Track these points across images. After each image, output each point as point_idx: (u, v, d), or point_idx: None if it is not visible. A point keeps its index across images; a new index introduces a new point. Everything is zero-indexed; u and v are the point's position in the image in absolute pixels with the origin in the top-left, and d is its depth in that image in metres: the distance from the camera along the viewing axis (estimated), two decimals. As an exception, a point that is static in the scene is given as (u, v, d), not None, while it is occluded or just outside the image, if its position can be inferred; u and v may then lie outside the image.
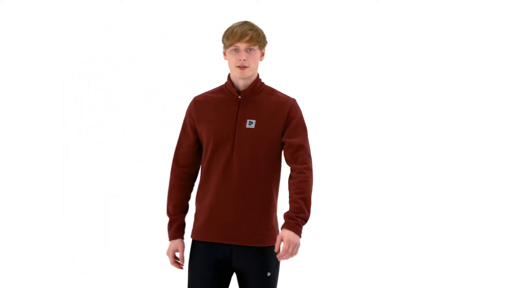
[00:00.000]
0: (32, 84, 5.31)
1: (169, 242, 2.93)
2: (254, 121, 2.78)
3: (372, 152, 5.33)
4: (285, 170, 2.89)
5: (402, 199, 5.29)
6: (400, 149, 5.33)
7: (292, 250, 2.66)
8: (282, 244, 2.68)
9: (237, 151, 2.77)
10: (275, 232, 2.84)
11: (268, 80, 3.04)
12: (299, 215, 2.69)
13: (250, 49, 2.78)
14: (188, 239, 2.95)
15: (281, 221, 2.80)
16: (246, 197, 2.77)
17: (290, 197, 2.75)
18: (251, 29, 2.79)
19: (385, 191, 5.29)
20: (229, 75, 2.89)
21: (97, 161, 5.29)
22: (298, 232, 2.68)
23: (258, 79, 2.87)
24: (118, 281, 5.12)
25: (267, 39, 2.87)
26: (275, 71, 5.18)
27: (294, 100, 2.86)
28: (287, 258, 2.68)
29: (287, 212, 2.73)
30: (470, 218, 5.26)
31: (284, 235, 2.66)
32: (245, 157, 2.77)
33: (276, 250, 2.69)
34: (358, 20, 5.34)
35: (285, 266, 4.26)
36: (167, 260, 2.95)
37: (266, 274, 2.79)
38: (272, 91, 2.88)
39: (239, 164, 2.76)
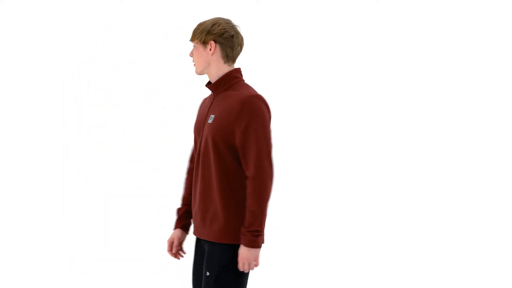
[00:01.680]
0: (32, 84, 5.32)
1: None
2: (213, 116, 2.74)
3: (372, 153, 5.33)
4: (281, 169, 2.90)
5: (401, 199, 5.29)
6: (399, 150, 5.33)
7: (248, 266, 2.68)
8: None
9: (201, 147, 2.79)
10: (230, 229, 2.73)
11: (269, 79, 3.04)
12: (250, 229, 2.66)
13: (194, 46, 2.76)
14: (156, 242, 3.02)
15: (272, 221, 2.84)
16: (204, 193, 2.77)
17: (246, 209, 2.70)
18: (196, 27, 2.76)
19: (385, 191, 5.29)
20: None
21: (97, 161, 5.30)
22: (253, 245, 2.66)
23: (227, 75, 2.77)
24: (118, 281, 5.13)
25: (214, 31, 2.75)
26: (275, 71, 5.19)
27: (252, 97, 2.68)
28: (249, 268, 2.70)
29: (242, 225, 2.71)
30: (470, 218, 5.27)
31: (240, 253, 2.68)
32: (204, 152, 2.76)
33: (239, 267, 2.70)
34: (358, 20, 5.35)
35: (284, 265, 4.27)
36: (165, 260, 2.99)
37: (206, 273, 2.75)
38: (238, 88, 2.75)
39: (201, 159, 2.78)
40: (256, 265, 2.70)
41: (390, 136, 5.33)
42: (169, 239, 2.92)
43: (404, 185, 5.30)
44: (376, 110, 5.36)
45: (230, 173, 2.73)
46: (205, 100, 2.90)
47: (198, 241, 2.90)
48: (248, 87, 2.75)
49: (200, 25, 2.74)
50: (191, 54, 2.75)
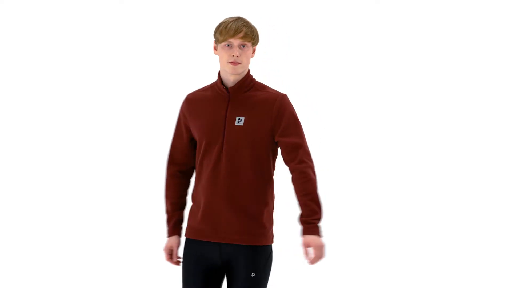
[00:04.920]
0: (32, 84, 5.31)
1: (167, 238, 2.93)
2: (243, 118, 2.76)
3: (372, 153, 5.32)
4: (281, 168, 2.90)
5: (401, 199, 5.28)
6: (399, 150, 5.32)
7: (321, 253, 2.71)
8: (310, 250, 2.72)
9: (227, 149, 2.75)
10: (267, 231, 2.82)
11: (269, 78, 3.03)
12: (314, 218, 2.73)
13: (243, 46, 2.74)
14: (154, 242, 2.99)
15: (280, 221, 2.85)
16: (235, 195, 2.76)
17: (299, 200, 2.78)
18: (245, 25, 2.74)
19: (385, 192, 5.28)
20: (219, 72, 2.85)
21: (97, 160, 5.29)
22: (319, 234, 2.72)
23: (248, 76, 2.82)
24: (118, 281, 5.12)
25: (260, 38, 2.83)
26: (274, 71, 5.18)
27: (283, 96, 2.81)
28: (317, 261, 2.73)
29: (302, 217, 2.76)
30: (470, 218, 5.26)
31: (309, 241, 2.71)
32: (235, 155, 2.75)
33: (305, 257, 2.73)
34: (358, 20, 5.34)
35: (284, 267, 4.25)
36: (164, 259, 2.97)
37: (251, 274, 2.76)
38: (262, 87, 2.83)
39: (229, 162, 2.75)
40: (324, 255, 2.74)
41: (390, 137, 5.32)
42: (166, 247, 2.93)
43: (403, 185, 5.29)
44: (376, 111, 5.35)
45: (265, 174, 2.79)
46: (196, 100, 2.86)
47: (204, 245, 2.83)
48: (266, 85, 2.84)
49: (248, 25, 2.76)
50: (238, 53, 2.73)
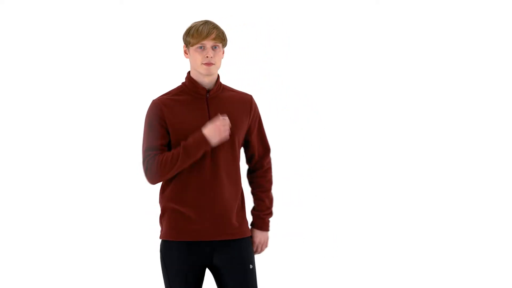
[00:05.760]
0: (32, 84, 5.31)
1: (205, 133, 2.80)
2: (226, 117, 2.84)
3: (372, 153, 5.32)
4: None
5: (401, 199, 5.28)
6: (399, 150, 5.33)
7: (267, 245, 3.03)
8: (260, 245, 3.02)
9: (213, 148, 2.82)
10: (247, 222, 2.99)
11: (269, 78, 3.04)
12: (266, 213, 3.00)
13: (215, 47, 2.83)
14: (154, 242, 2.98)
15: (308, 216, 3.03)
16: (224, 191, 2.84)
17: (256, 193, 3.01)
18: (215, 28, 2.84)
19: (385, 192, 5.28)
20: (189, 75, 2.91)
21: (97, 161, 5.29)
22: (268, 229, 3.01)
23: (219, 78, 2.93)
24: (117, 281, 5.12)
25: (228, 41, 2.94)
26: (274, 71, 5.18)
27: (253, 97, 2.99)
28: (261, 252, 3.03)
29: (255, 210, 3.01)
30: (470, 219, 5.26)
31: (261, 238, 3.01)
32: (219, 153, 2.84)
33: (256, 250, 3.00)
34: (358, 20, 5.34)
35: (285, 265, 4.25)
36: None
37: (249, 266, 2.88)
38: (230, 88, 2.97)
39: (215, 159, 2.83)
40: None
41: (390, 137, 5.32)
42: (215, 120, 2.88)
43: (404, 185, 5.29)
44: (376, 111, 5.35)
45: (238, 168, 2.94)
46: (170, 104, 2.88)
47: (192, 246, 2.84)
48: (229, 86, 2.99)
49: (218, 28, 2.85)
50: (211, 54, 2.82)
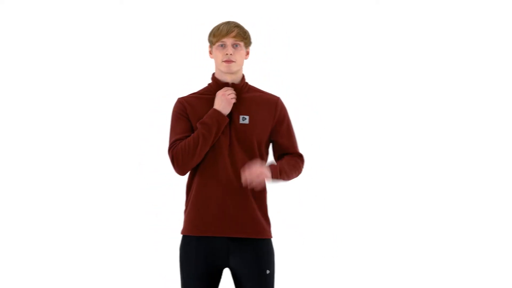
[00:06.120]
0: (31, 84, 5.31)
1: (214, 107, 2.87)
2: (247, 117, 2.88)
3: (372, 153, 5.32)
4: None
5: (401, 199, 5.28)
6: (399, 150, 5.33)
7: (256, 177, 2.79)
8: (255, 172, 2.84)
9: (232, 146, 2.85)
10: (270, 226, 2.94)
11: (269, 78, 3.04)
12: (282, 168, 2.87)
13: (236, 45, 2.87)
14: (176, 237, 2.97)
15: (271, 214, 2.96)
16: (243, 190, 2.85)
17: (281, 160, 2.93)
18: (236, 26, 2.88)
19: (385, 192, 5.28)
20: (213, 76, 2.96)
21: (97, 161, 5.29)
22: (272, 174, 2.84)
23: (244, 78, 2.97)
24: (117, 281, 5.12)
25: (252, 41, 2.97)
26: (274, 71, 5.18)
27: (280, 98, 2.99)
28: (249, 179, 2.80)
29: (273, 163, 2.91)
30: (471, 219, 5.26)
31: (263, 168, 2.82)
32: (240, 151, 2.86)
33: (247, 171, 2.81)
34: (358, 20, 5.34)
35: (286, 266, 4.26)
36: (163, 262, 2.96)
37: (265, 271, 2.83)
38: (257, 89, 2.99)
39: (235, 158, 2.85)
40: (257, 183, 2.80)
41: (390, 137, 5.32)
42: (221, 93, 2.92)
43: (404, 185, 5.29)
44: (376, 110, 5.35)
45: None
46: (194, 102, 2.92)
47: (209, 241, 2.84)
48: (258, 88, 3.00)
49: (240, 26, 2.88)
50: (231, 51, 2.84)
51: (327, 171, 5.24)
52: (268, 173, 2.81)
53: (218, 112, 2.83)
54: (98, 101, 5.30)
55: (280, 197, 3.08)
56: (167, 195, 5.11)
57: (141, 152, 5.22)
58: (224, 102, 2.84)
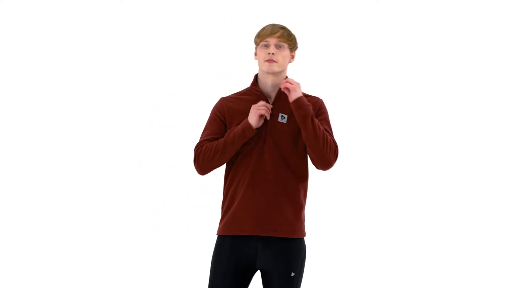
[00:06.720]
0: (31, 84, 5.31)
1: (250, 123, 2.85)
2: (286, 116, 2.86)
3: (372, 153, 5.32)
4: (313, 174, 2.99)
5: (402, 199, 5.28)
6: (400, 150, 5.32)
7: (294, 85, 2.80)
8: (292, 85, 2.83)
9: (269, 144, 2.84)
10: (303, 226, 2.89)
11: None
12: (316, 122, 2.79)
13: (280, 46, 2.86)
14: (176, 237, 2.96)
15: (307, 217, 2.95)
16: (278, 189, 2.82)
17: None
18: (281, 28, 2.87)
19: (386, 192, 5.28)
20: (256, 77, 2.95)
21: (97, 161, 5.29)
22: (300, 102, 2.79)
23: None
24: (117, 281, 5.12)
25: (298, 45, 2.96)
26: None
27: (322, 100, 2.96)
28: (287, 85, 2.79)
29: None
30: (471, 220, 5.26)
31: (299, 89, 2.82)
32: (276, 151, 2.84)
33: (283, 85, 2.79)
34: (358, 20, 5.34)
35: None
36: (163, 262, 2.96)
37: (290, 273, 2.80)
38: (302, 93, 2.92)
39: (271, 156, 2.83)
40: (294, 87, 2.79)
41: (390, 137, 5.32)
42: (256, 107, 2.87)
43: (405, 185, 5.29)
44: (376, 111, 5.35)
45: (303, 172, 2.87)
46: (235, 102, 2.91)
47: (239, 241, 2.83)
48: (304, 92, 2.95)
49: (285, 29, 2.86)
50: (273, 51, 2.82)
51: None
52: (301, 93, 2.79)
53: (247, 124, 2.82)
54: (98, 101, 5.30)
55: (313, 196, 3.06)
56: (167, 195, 5.11)
57: (141, 152, 5.22)
58: (253, 115, 2.81)
